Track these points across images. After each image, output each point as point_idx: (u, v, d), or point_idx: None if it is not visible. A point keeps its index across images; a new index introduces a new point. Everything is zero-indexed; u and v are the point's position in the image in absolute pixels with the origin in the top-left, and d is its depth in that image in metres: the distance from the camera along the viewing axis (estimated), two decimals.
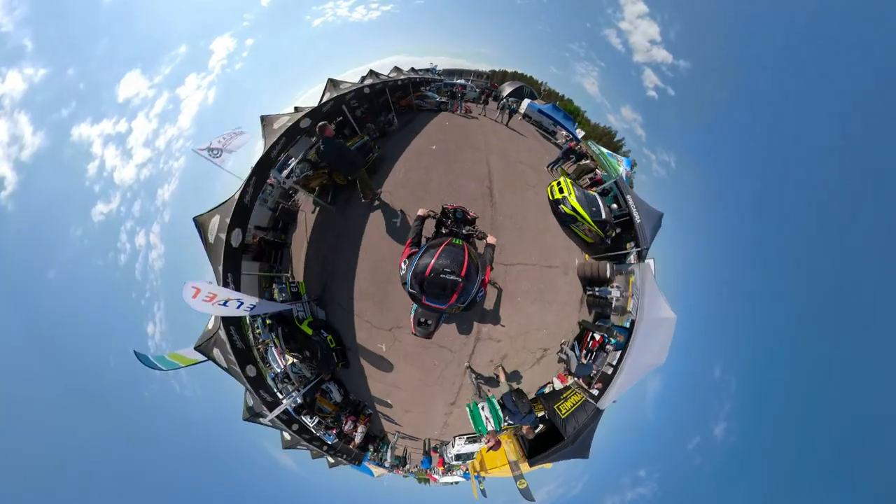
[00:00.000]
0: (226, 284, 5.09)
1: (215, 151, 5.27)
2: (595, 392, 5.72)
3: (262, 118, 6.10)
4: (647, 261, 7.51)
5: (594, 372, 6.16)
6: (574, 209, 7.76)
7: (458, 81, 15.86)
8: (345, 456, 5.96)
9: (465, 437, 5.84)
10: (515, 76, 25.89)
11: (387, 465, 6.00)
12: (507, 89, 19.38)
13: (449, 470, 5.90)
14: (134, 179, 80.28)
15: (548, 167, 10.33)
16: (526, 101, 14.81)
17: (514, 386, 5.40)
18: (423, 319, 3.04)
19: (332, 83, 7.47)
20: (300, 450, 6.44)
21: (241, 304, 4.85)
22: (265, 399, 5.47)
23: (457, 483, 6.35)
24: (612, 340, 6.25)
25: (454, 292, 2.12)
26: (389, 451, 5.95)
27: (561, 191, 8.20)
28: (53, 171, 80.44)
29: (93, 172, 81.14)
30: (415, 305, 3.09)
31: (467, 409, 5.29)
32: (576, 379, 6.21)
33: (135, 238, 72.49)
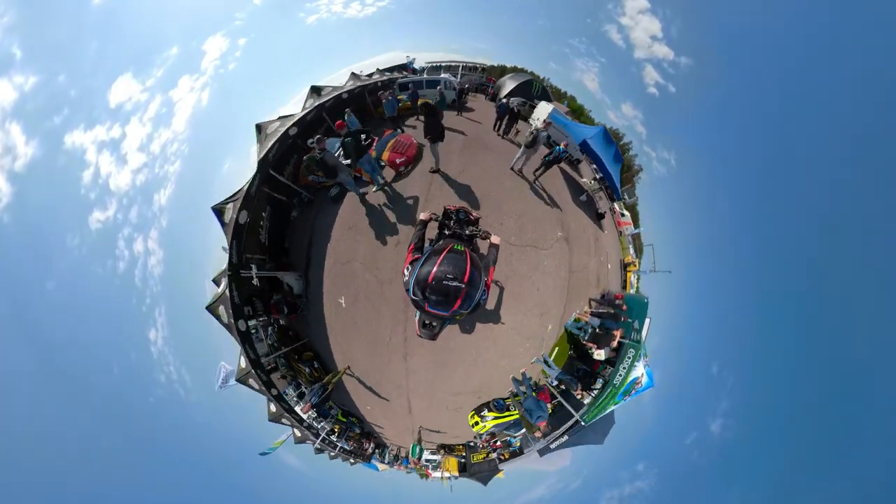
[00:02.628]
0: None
1: (226, 378, 7.46)
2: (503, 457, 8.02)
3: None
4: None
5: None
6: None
7: (442, 77, 12.08)
8: (360, 458, 8.80)
9: (427, 450, 8.74)
10: (516, 71, 20.60)
11: (386, 461, 8.69)
12: (508, 85, 13.61)
13: (435, 468, 8.32)
14: (130, 185, 79.78)
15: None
16: (545, 109, 9.26)
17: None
18: (427, 322, 3.09)
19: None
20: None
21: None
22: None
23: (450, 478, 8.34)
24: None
25: (457, 299, 2.12)
26: (388, 454, 8.79)
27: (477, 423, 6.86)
28: (48, 180, 79.91)
29: (88, 180, 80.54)
30: (418, 311, 3.13)
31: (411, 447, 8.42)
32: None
33: (133, 245, 72.18)
